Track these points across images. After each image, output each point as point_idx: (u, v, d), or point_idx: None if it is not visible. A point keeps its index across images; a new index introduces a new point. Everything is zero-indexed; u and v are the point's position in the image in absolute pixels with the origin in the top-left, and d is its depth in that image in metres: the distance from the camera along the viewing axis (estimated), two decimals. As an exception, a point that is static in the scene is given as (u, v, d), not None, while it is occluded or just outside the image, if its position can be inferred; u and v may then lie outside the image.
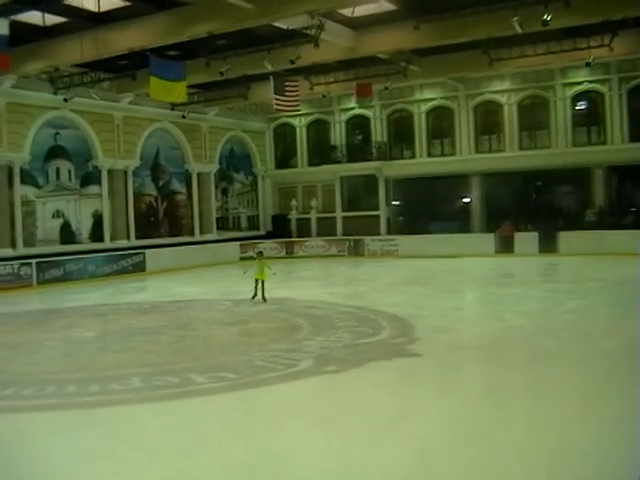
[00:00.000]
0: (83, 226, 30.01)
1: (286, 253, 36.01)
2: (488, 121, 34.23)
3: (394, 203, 36.96)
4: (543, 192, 33.82)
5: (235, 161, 38.50)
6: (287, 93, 27.08)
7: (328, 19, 22.71)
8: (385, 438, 7.77)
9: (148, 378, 10.56)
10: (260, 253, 20.32)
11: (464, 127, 34.47)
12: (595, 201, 31.89)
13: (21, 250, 26.92)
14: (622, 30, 24.18)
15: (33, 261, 25.92)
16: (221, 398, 9.67)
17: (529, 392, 9.64)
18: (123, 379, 10.56)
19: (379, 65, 28.56)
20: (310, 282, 25.84)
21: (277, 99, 26.96)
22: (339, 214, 37.64)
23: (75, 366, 12.11)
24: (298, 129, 39.20)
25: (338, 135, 37.95)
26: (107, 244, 30.45)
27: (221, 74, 25.78)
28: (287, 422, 8.54)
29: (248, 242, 36.19)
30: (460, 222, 34.56)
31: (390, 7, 22.89)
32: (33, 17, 22.11)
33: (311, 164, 38.72)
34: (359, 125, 37.64)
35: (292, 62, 24.24)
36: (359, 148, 37.38)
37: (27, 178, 27.66)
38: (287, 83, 27.25)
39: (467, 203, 34.90)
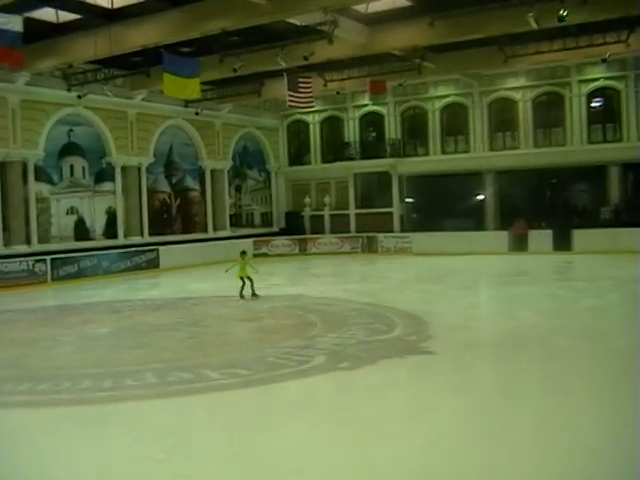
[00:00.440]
0: (97, 223, 30.11)
1: (299, 250, 35.99)
2: (502, 118, 34.09)
3: (408, 200, 36.87)
4: (558, 190, 33.64)
5: (248, 158, 38.53)
6: (301, 90, 27.03)
7: (342, 15, 22.69)
8: (398, 435, 7.75)
9: (162, 374, 10.57)
10: (243, 252, 20.48)
11: (478, 124, 34.34)
12: (610, 199, 31.72)
13: (36, 246, 27.03)
14: (639, 26, 24.02)
15: (48, 257, 26.03)
16: (234, 394, 9.67)
17: (543, 391, 9.59)
18: (137, 375, 10.58)
19: (393, 62, 28.49)
20: (323, 279, 25.82)
21: (291, 96, 26.91)
22: (352, 211, 37.58)
23: (90, 362, 12.13)
24: (311, 126, 39.17)
25: (352, 132, 37.89)
26: (121, 241, 30.55)
27: (234, 71, 25.79)
28: (300, 418, 8.54)
29: (261, 239, 36.24)
30: (474, 220, 34.43)
31: (404, 3, 22.83)
32: (47, 14, 22.18)
33: (324, 161, 38.69)
34: (373, 122, 37.57)
35: (306, 58, 24.25)
36: (373, 145, 37.32)
37: (41, 175, 27.77)
38: (301, 80, 27.20)
39: (481, 201, 34.77)
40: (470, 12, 22.38)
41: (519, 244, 31.47)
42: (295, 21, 22.79)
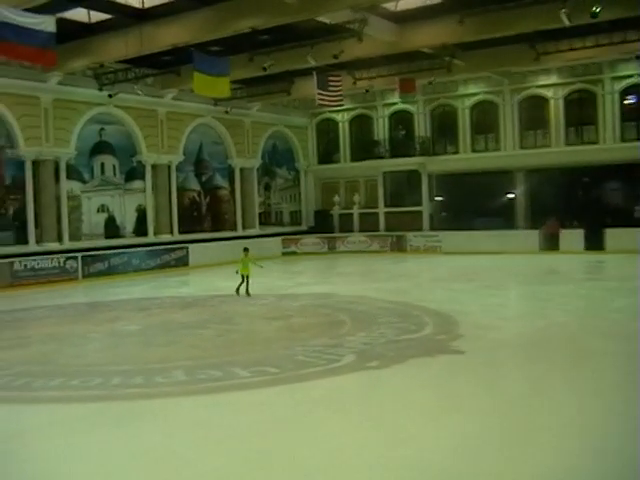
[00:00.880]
0: (127, 220, 30.34)
1: (328, 248, 36.03)
2: (533, 116, 33.79)
3: (437, 199, 36.71)
4: (590, 188, 33.27)
5: (278, 156, 38.59)
6: (330, 88, 27.00)
7: (371, 13, 22.66)
8: (426, 435, 7.72)
9: (191, 371, 10.61)
10: (246, 250, 20.48)
11: (509, 122, 34.09)
12: (643, 197, 31.36)
13: (67, 244, 27.31)
14: (673, 22, 23.72)
15: (79, 255, 26.29)
16: (263, 392, 9.68)
17: (573, 392, 9.48)
18: (167, 372, 10.64)
19: (423, 60, 28.38)
20: (352, 278, 25.78)
21: (320, 94, 26.89)
22: (382, 209, 37.50)
23: (120, 358, 12.22)
24: (341, 124, 39.14)
25: (381, 130, 37.80)
26: (151, 238, 30.75)
27: (264, 69, 25.81)
28: (328, 417, 8.53)
29: (290, 237, 36.31)
30: (504, 218, 34.17)
31: (434, 0, 22.72)
32: (78, 14, 22.37)
33: (354, 159, 38.63)
34: (402, 120, 37.45)
35: (335, 57, 24.23)
36: (402, 143, 37.18)
37: (73, 173, 28.05)
38: (330, 78, 27.17)
39: (511, 199, 34.52)
40: (501, 9, 22.21)
41: (550, 243, 31.21)
42: (324, 19, 22.74)
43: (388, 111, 37.70)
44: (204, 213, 34.17)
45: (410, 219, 35.99)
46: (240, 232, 35.30)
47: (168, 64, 26.88)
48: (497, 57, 28.72)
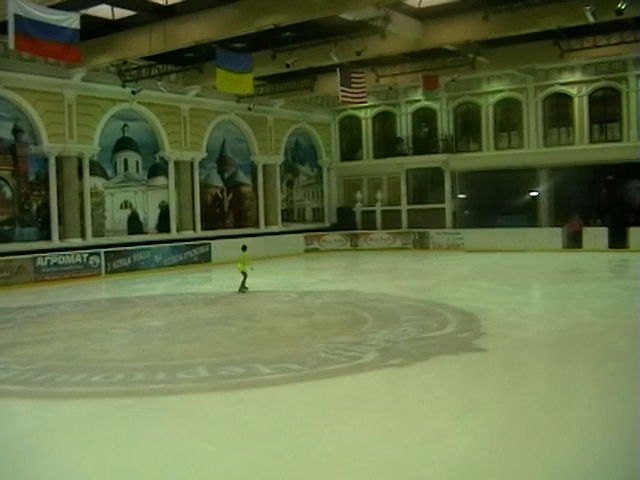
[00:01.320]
0: (150, 217, 30.46)
1: (351, 245, 36.03)
2: (557, 113, 33.55)
3: (460, 196, 36.56)
4: (613, 186, 33.01)
5: (300, 153, 38.61)
6: (353, 85, 26.94)
7: (395, 10, 22.59)
8: (448, 433, 7.68)
9: (214, 368, 10.62)
10: (244, 247, 20.85)
11: (532, 119, 33.87)
12: (669, 196, 31.07)
13: (90, 240, 27.45)
14: (700, 18, 23.45)
15: (102, 251, 26.43)
16: (286, 389, 9.67)
17: (598, 391, 9.41)
18: (189, 368, 10.65)
19: (446, 57, 28.27)
20: (375, 275, 25.72)
21: (343, 91, 26.84)
22: (404, 207, 37.41)
23: (143, 355, 12.26)
24: (364, 121, 39.07)
25: (404, 127, 37.69)
26: (173, 235, 30.87)
27: (287, 66, 25.80)
28: (351, 414, 8.50)
29: (313, 234, 36.32)
30: (527, 216, 34.00)
31: (458, -3, 22.63)
32: (102, 11, 22.46)
33: (377, 156, 38.57)
34: (425, 117, 37.32)
35: (358, 54, 24.19)
36: (425, 140, 37.07)
37: (96, 169, 28.19)
38: (353, 75, 27.10)
39: (535, 197, 34.31)
40: (525, 6, 22.06)
41: (573, 241, 31.00)
42: (348, 16, 22.70)
43: (411, 108, 37.58)
44: (227, 210, 34.24)
45: (433, 216, 35.90)
46: (262, 229, 35.38)
47: (191, 61, 26.94)
48: (521, 54, 28.54)
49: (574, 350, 11.85)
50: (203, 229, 32.23)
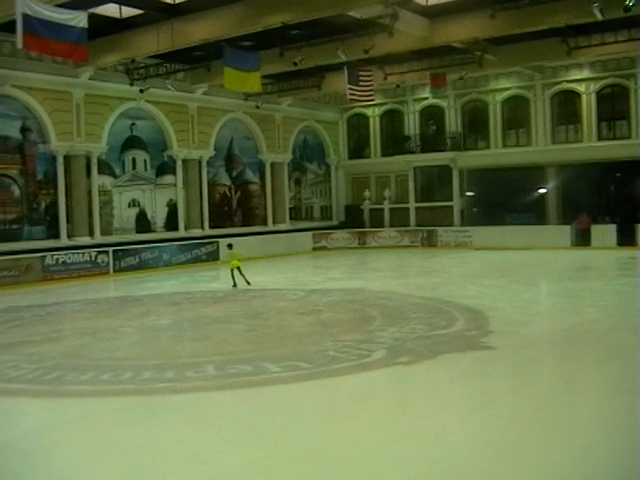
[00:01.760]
0: (158, 215, 30.51)
1: (359, 243, 36.01)
2: (565, 111, 33.46)
3: (468, 194, 36.52)
4: (622, 183, 32.90)
5: (308, 151, 38.62)
6: (361, 83, 26.94)
7: (402, 8, 22.55)
8: (457, 430, 7.66)
9: (222, 366, 10.63)
10: (229, 246, 21.87)
11: (540, 117, 33.79)
12: (677, 193, 30.94)
13: (98, 238, 27.52)
14: None
15: (110, 249, 26.50)
16: (294, 387, 9.68)
17: (606, 389, 9.36)
18: (198, 366, 10.66)
19: (454, 54, 28.23)
20: (383, 273, 25.71)
21: (351, 89, 26.84)
22: (412, 205, 37.38)
23: (151, 353, 12.29)
24: (371, 119, 39.05)
25: (412, 125, 37.66)
26: (181, 233, 30.92)
27: (295, 64, 25.82)
28: (359, 412, 8.50)
29: (321, 232, 36.33)
30: (535, 214, 33.95)
31: (466, -5, 22.59)
32: (110, 10, 22.49)
33: (384, 154, 38.55)
34: (433, 115, 37.27)
35: (366, 52, 24.17)
36: (433, 138, 37.03)
37: (104, 168, 28.25)
38: (361, 73, 27.12)
39: (543, 194, 34.23)
40: (533, 3, 22.03)
41: (582, 239, 30.91)
42: (355, 14, 22.69)
43: (419, 106, 37.54)
44: (234, 208, 34.27)
45: (441, 214, 35.88)
46: (270, 227, 35.40)
47: (199, 59, 26.96)
48: (529, 52, 28.47)
49: (582, 348, 11.81)
50: (211, 227, 32.27)
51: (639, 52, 27.36)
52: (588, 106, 32.68)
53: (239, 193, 34.48)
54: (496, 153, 34.88)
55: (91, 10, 20.53)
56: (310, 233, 36.03)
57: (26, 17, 16.56)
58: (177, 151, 30.88)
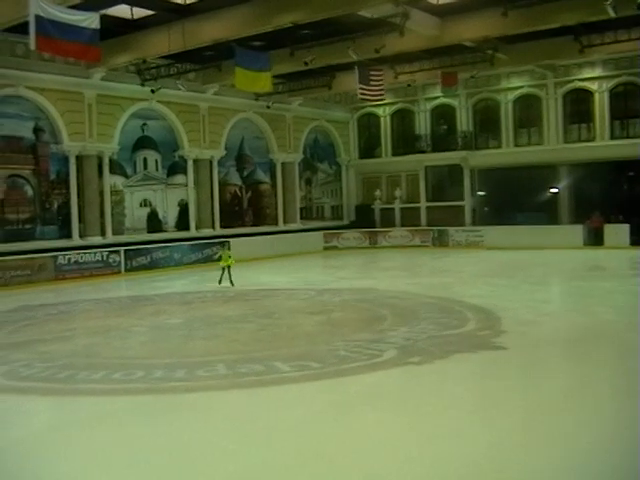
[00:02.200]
0: (169, 215, 30.58)
1: (369, 243, 35.97)
2: (578, 109, 33.34)
3: (479, 193, 36.44)
4: (635, 182, 32.72)
5: (319, 151, 38.61)
6: (372, 82, 26.92)
7: (413, 7, 22.53)
8: (467, 431, 7.65)
9: (233, 365, 10.64)
10: (223, 245, 22.98)
11: (552, 116, 33.67)
12: (690, 192, 30.76)
13: (110, 238, 27.61)
14: None
15: (121, 249, 26.58)
16: (305, 387, 9.68)
17: (618, 390, 9.31)
18: (209, 365, 10.67)
19: (465, 53, 28.16)
20: (394, 272, 25.67)
21: (362, 88, 26.83)
22: (423, 204, 37.32)
23: (162, 352, 12.32)
24: (382, 118, 39.01)
25: (423, 124, 37.61)
26: (192, 233, 30.98)
27: (305, 64, 25.83)
28: (370, 411, 8.49)
29: (332, 232, 36.33)
30: (547, 213, 33.82)
31: (477, -7, 22.53)
32: (122, 10, 22.55)
33: (395, 154, 38.51)
34: (444, 114, 37.22)
35: (377, 51, 24.16)
36: (444, 137, 36.99)
37: (116, 168, 28.33)
38: (372, 72, 27.10)
39: (555, 194, 34.11)
40: (544, 1, 21.97)
41: (594, 238, 30.77)
42: (366, 14, 22.67)
43: (430, 105, 37.48)
44: (245, 208, 34.31)
45: (452, 214, 35.80)
46: (281, 227, 35.42)
47: (210, 59, 26.99)
48: (541, 50, 28.33)
49: (594, 348, 11.77)
50: (222, 227, 32.31)
51: None
52: (600, 105, 32.55)
53: (250, 193, 34.51)
54: (508, 152, 34.78)
55: (103, 11, 20.60)
56: (321, 233, 36.05)
57: (39, 18, 16.63)
58: (188, 151, 30.94)
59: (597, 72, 32.46)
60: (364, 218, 38.36)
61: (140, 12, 22.86)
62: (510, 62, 29.57)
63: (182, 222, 30.99)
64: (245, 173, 34.30)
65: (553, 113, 33.63)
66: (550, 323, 14.22)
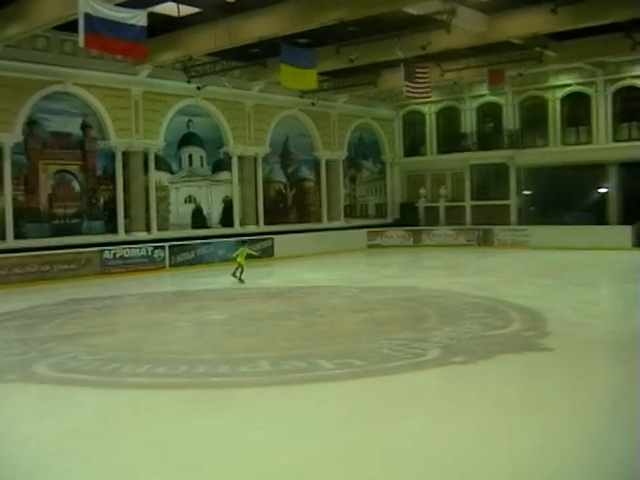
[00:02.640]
0: (214, 211, 30.75)
1: (413, 242, 35.78)
2: (628, 108, 32.67)
3: (525, 192, 36.02)
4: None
5: (363, 149, 38.49)
6: (418, 80, 26.77)
7: (460, 4, 22.31)
8: (512, 433, 7.53)
9: (276, 362, 10.64)
10: (243, 242, 23.66)
11: (602, 114, 33.10)
12: None
13: (155, 233, 27.85)
14: None
15: (166, 244, 26.80)
16: (348, 384, 9.64)
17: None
18: (252, 362, 10.69)
19: (513, 50, 27.82)
20: (437, 271, 25.50)
21: (407, 86, 26.70)
22: (468, 203, 37.02)
23: (205, 347, 12.38)
24: (427, 116, 38.75)
25: (468, 122, 37.29)
26: (237, 229, 31.10)
27: (351, 61, 25.80)
28: (413, 411, 8.44)
29: (375, 230, 36.23)
30: (595, 214, 33.27)
31: (525, -10, 22.26)
32: (168, 8, 22.72)
33: (440, 152, 38.21)
34: (490, 112, 36.83)
35: (423, 48, 24.03)
36: (490, 136, 36.60)
37: (161, 164, 28.58)
38: (418, 70, 26.94)
39: (603, 194, 33.57)
40: (595, -3, 21.62)
41: (644, 240, 30.25)
42: (412, 10, 22.49)
43: (476, 103, 37.14)
44: (289, 205, 34.37)
45: (497, 213, 35.47)
46: (325, 224, 35.40)
47: (255, 56, 27.07)
48: (591, 47, 27.84)
49: (643, 351, 11.55)
50: (266, 224, 32.40)
51: None
52: (653, 102, 31.96)
53: (294, 190, 34.56)
54: (555, 151, 34.30)
55: (150, 9, 20.75)
56: (365, 231, 35.97)
57: (88, 16, 16.83)
58: (233, 148, 31.08)
59: (648, 69, 31.87)
60: (408, 216, 38.17)
61: (186, 10, 22.98)
62: (559, 60, 29.13)
63: (226, 218, 31.14)
64: (289, 170, 34.35)
65: (602, 111, 33.07)
66: (597, 325, 14.02)
